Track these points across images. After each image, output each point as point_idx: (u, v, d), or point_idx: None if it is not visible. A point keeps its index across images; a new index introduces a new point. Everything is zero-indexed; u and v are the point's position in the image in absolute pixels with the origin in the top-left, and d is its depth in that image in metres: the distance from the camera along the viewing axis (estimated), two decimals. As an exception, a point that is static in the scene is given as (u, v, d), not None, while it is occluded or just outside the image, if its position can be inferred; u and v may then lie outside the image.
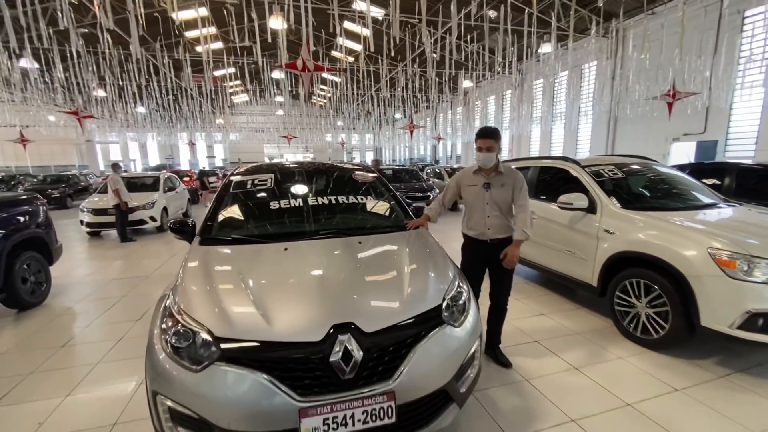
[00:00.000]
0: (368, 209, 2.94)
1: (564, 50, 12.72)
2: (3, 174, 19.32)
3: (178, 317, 1.74)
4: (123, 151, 35.61)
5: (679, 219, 3.06)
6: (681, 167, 5.42)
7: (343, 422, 1.57)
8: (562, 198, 3.64)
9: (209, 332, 1.64)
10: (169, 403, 1.63)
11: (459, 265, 2.61)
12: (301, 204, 2.77)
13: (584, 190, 3.66)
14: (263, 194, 2.86)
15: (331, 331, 1.64)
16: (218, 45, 17.80)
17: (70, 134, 22.71)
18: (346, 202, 2.86)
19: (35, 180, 17.29)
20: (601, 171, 3.80)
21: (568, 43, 9.58)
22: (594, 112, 12.61)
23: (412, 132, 15.25)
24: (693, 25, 9.41)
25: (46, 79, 15.62)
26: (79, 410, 2.49)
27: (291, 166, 3.35)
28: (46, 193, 15.24)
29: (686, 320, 2.75)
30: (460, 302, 2.01)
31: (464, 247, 2.90)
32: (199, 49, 17.29)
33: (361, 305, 1.79)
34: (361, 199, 2.94)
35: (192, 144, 30.25)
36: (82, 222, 8.69)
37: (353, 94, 20.73)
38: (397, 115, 24.14)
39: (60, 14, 8.06)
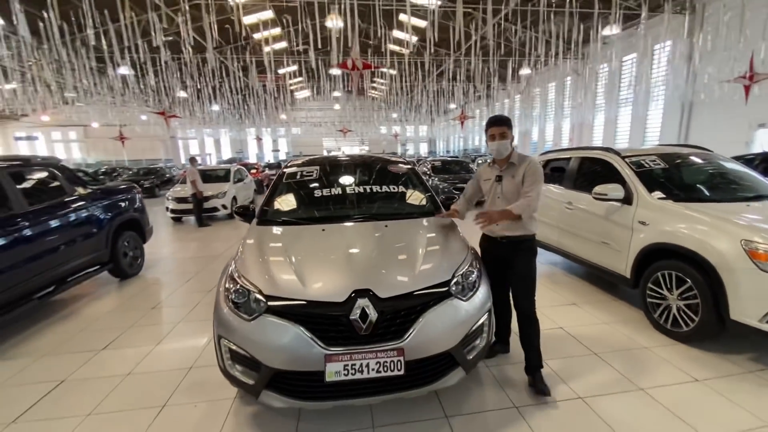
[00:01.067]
0: (399, 197, 3.25)
1: (633, 30, 11.80)
2: (106, 167, 22.51)
3: (238, 280, 2.21)
4: (200, 145, 39.26)
5: (716, 210, 2.97)
6: (748, 157, 5.01)
7: (360, 369, 1.92)
8: (598, 189, 3.65)
9: (260, 291, 2.08)
10: (230, 345, 2.10)
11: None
12: (341, 192, 3.18)
13: (622, 181, 3.64)
14: (309, 184, 3.31)
15: (353, 294, 2.00)
16: (282, 45, 18.95)
17: (158, 131, 25.67)
18: (380, 191, 3.20)
19: (131, 172, 19.88)
20: (642, 161, 3.72)
21: (638, 23, 8.87)
22: (665, 97, 11.56)
23: (462, 123, 15.12)
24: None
25: (141, 84, 17.85)
26: (165, 356, 3.14)
27: (335, 159, 3.77)
28: (139, 183, 17.55)
29: (716, 313, 2.71)
30: (470, 280, 2.26)
31: (480, 245, 2.75)
32: (266, 49, 18.66)
33: (378, 276, 2.13)
34: (394, 189, 3.26)
35: (259, 139, 32.54)
36: (167, 209, 10.00)
37: (407, 85, 20.90)
38: (452, 105, 23.91)
39: (153, 32, 9.28)
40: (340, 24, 10.91)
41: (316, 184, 3.28)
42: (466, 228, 3.03)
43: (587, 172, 4.28)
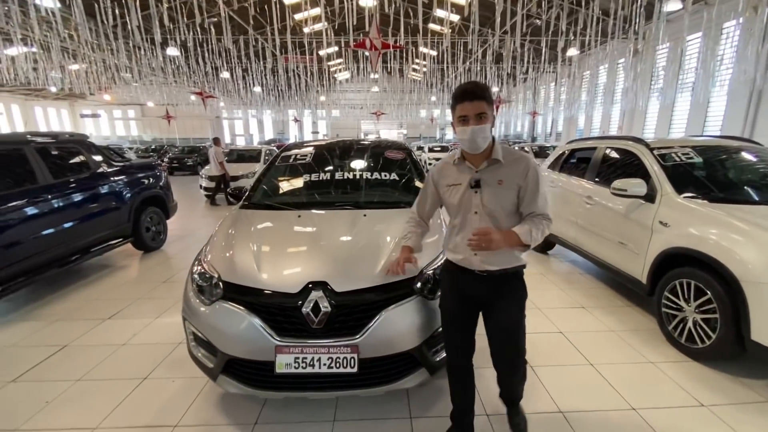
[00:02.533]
0: (388, 185, 3.09)
1: (699, 6, 10.49)
2: (156, 144, 23.97)
3: (204, 263, 2.21)
4: (245, 126, 40.65)
5: (749, 214, 2.57)
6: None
7: (311, 363, 1.86)
8: (617, 183, 3.29)
9: (218, 276, 2.06)
10: (192, 328, 2.11)
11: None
12: (328, 178, 3.09)
13: (646, 176, 3.26)
14: (298, 169, 3.25)
15: (310, 286, 1.93)
16: (319, 26, 18.89)
17: (204, 111, 26.89)
18: (369, 178, 3.08)
19: (176, 150, 20.99)
20: (673, 154, 3.31)
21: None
22: (729, 82, 10.22)
23: (497, 108, 14.33)
24: None
25: (175, 64, 18.58)
26: (160, 330, 3.27)
27: (330, 143, 3.67)
28: (182, 160, 18.51)
29: (735, 332, 2.37)
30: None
31: (442, 276, 1.92)
32: (306, 29, 18.75)
33: (338, 268, 2.03)
34: (384, 176, 3.11)
35: (296, 120, 33.13)
36: (201, 186, 10.46)
37: (446, 67, 20.19)
38: (494, 89, 22.83)
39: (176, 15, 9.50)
40: (374, 2, 10.66)
41: (304, 170, 3.21)
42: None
43: (611, 164, 3.88)
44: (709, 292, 2.53)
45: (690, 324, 2.68)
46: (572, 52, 14.22)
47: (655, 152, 3.36)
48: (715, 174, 3.27)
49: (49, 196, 3.96)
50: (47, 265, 3.87)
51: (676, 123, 13.35)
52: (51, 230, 3.91)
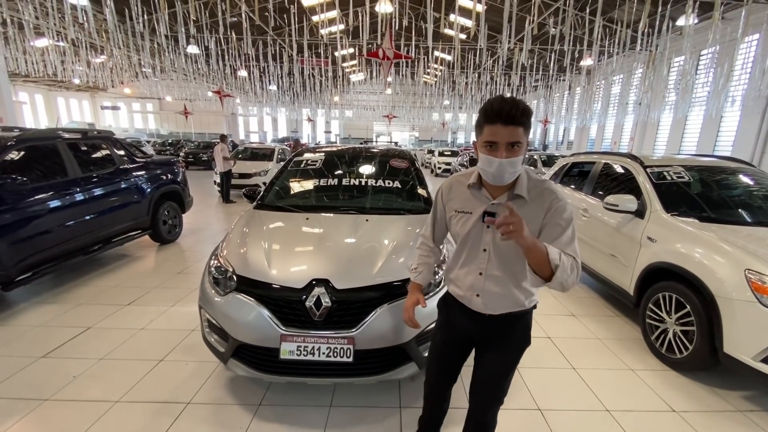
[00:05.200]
0: (389, 193, 3.30)
1: (710, 21, 10.47)
2: (173, 139, 24.55)
3: (220, 258, 2.44)
4: (259, 123, 41.28)
5: (730, 233, 2.71)
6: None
7: (312, 351, 2.07)
8: (610, 198, 3.45)
9: (233, 270, 2.30)
10: (207, 315, 2.35)
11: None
12: (336, 183, 3.31)
13: (638, 192, 3.42)
14: (310, 173, 3.48)
15: (314, 282, 2.15)
16: (335, 28, 19.19)
17: (220, 108, 27.52)
18: (374, 185, 3.29)
19: (192, 145, 21.48)
20: (665, 173, 3.45)
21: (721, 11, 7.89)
22: (742, 98, 10.17)
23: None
24: None
25: (196, 63, 19.08)
26: (175, 317, 3.53)
27: (340, 150, 3.90)
28: (198, 156, 18.97)
29: (710, 344, 2.53)
30: (435, 279, 2.29)
31: (440, 304, 1.72)
32: (323, 31, 19.10)
33: (339, 267, 2.24)
34: (388, 184, 3.32)
35: (310, 120, 33.54)
36: (215, 182, 10.79)
37: (460, 72, 20.31)
38: (507, 94, 22.83)
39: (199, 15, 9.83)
40: (389, 9, 10.89)
41: (314, 174, 3.44)
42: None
43: (607, 179, 4.04)
44: (688, 306, 2.69)
45: (670, 335, 2.83)
46: (586, 62, 14.24)
47: (648, 170, 3.51)
48: (705, 194, 3.40)
49: (78, 189, 4.25)
50: (73, 253, 4.16)
51: (689, 137, 13.29)
52: (78, 220, 4.21)
